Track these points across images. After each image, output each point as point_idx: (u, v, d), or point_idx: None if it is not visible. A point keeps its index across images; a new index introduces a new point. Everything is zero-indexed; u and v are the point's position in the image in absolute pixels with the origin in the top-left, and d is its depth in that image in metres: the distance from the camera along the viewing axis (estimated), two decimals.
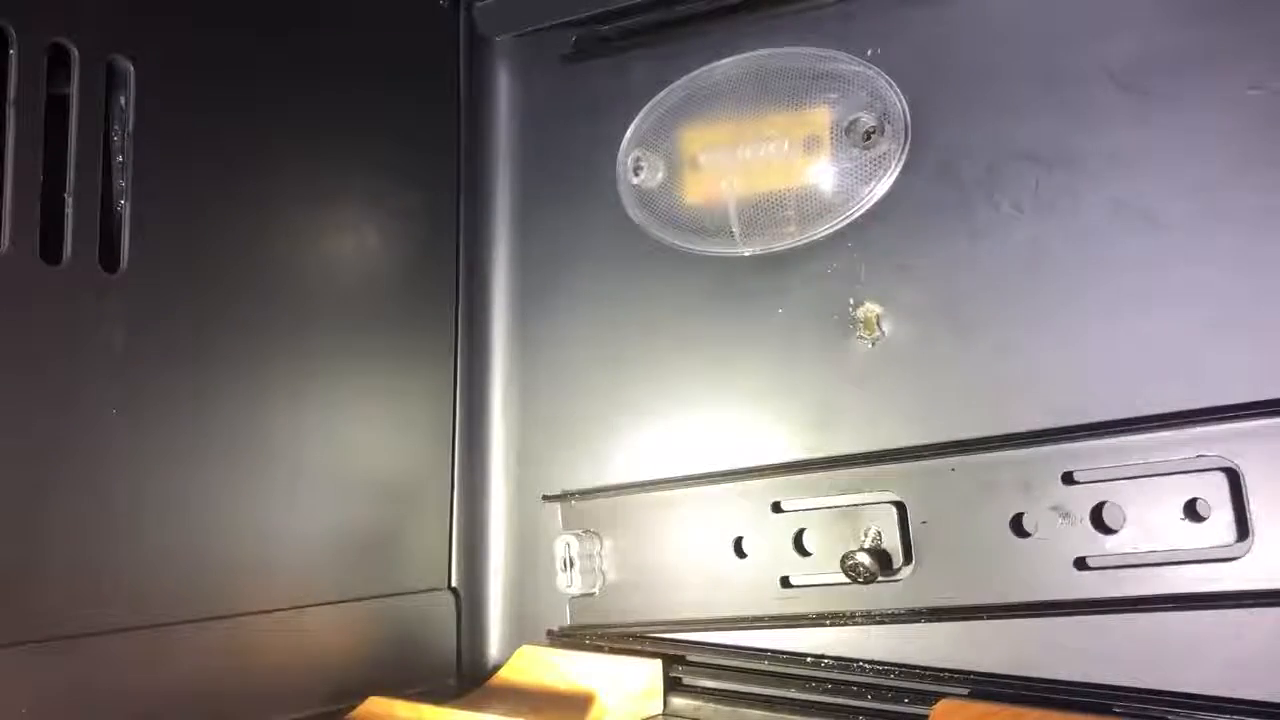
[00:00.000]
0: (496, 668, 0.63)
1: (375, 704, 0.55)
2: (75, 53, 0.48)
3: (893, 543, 0.52)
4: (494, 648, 0.66)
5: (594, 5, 0.62)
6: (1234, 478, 0.45)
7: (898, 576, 0.52)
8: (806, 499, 0.55)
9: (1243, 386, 0.46)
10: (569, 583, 0.60)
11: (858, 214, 0.55)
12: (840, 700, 0.53)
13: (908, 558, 0.52)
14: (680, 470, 0.59)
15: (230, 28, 0.55)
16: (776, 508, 0.56)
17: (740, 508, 0.57)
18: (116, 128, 0.50)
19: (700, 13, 0.61)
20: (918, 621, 0.51)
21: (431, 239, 0.66)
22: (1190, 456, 0.46)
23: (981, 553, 0.50)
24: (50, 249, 0.47)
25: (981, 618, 0.50)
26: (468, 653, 0.65)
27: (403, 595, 0.62)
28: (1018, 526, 0.49)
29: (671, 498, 0.59)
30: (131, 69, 0.50)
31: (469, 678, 0.64)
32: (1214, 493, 0.45)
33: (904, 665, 0.52)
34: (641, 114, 0.62)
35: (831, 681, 0.54)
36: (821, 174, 0.56)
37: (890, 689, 0.52)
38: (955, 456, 0.51)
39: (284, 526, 0.56)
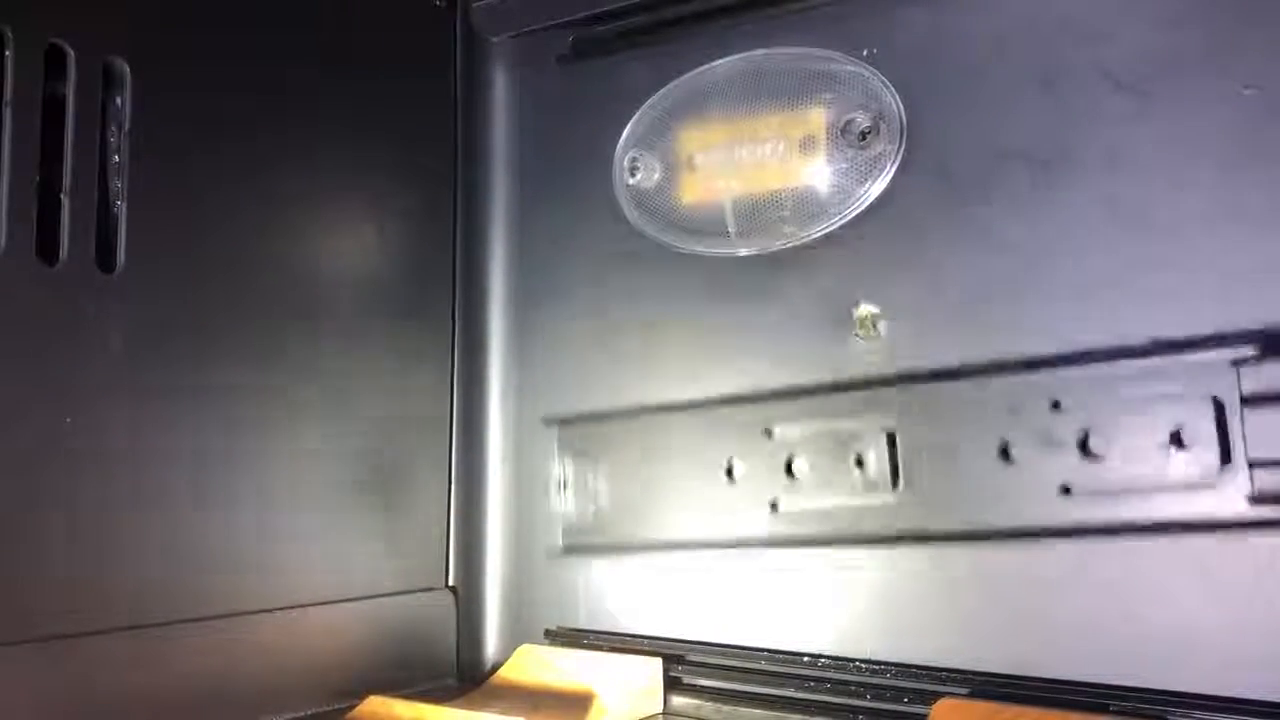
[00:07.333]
0: (496, 667, 0.63)
1: (375, 703, 0.55)
2: (72, 53, 0.48)
3: (882, 468, 0.52)
4: (493, 647, 0.66)
5: (591, 5, 0.63)
6: (1219, 407, 0.45)
7: (886, 500, 0.52)
8: (796, 425, 0.55)
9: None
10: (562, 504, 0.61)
11: (854, 214, 0.55)
12: (839, 699, 0.53)
13: (895, 482, 0.52)
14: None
15: (227, 28, 0.55)
16: (768, 433, 0.56)
17: (731, 433, 0.57)
18: (113, 128, 0.50)
19: (697, 13, 0.61)
20: (904, 544, 0.52)
21: (429, 238, 0.66)
22: (1175, 388, 0.46)
23: (968, 478, 0.50)
24: (47, 249, 0.47)
25: (967, 542, 0.50)
26: (467, 652, 0.65)
27: (401, 594, 0.62)
28: (1005, 453, 0.50)
29: (668, 426, 0.59)
30: (128, 70, 0.50)
31: (468, 677, 0.64)
32: (1199, 421, 0.46)
33: (903, 664, 0.52)
34: (638, 114, 0.62)
35: (831, 681, 0.54)
36: (817, 174, 0.56)
37: (890, 688, 0.52)
38: (944, 383, 0.51)
39: (282, 526, 0.56)
